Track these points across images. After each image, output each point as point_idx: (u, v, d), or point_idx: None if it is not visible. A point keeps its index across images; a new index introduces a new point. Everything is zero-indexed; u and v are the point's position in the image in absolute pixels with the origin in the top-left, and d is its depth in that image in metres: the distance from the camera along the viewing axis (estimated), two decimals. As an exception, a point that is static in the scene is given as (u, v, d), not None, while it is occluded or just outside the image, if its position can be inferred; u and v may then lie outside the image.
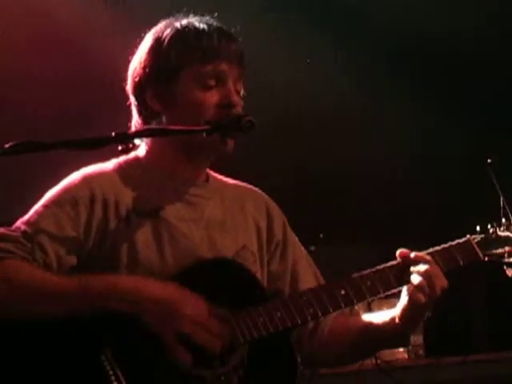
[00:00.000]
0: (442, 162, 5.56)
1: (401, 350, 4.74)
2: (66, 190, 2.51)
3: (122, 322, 2.34)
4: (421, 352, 4.85)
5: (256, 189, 2.83)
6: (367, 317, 2.74)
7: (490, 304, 5.54)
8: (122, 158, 2.63)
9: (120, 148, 2.37)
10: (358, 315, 2.78)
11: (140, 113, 2.63)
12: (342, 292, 2.55)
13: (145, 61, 2.60)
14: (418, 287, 2.54)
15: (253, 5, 4.96)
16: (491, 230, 2.69)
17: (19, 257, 2.38)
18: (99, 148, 2.31)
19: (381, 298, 2.64)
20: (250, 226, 2.71)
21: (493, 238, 2.68)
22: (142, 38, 2.66)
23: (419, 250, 2.63)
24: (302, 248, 2.84)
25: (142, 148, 2.65)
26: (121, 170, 2.60)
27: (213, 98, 2.55)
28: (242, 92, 2.62)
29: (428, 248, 2.65)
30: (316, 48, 5.24)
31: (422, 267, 2.56)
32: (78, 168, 2.58)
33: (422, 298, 2.53)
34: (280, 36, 5.12)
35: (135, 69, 2.63)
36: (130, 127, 2.66)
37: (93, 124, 3.77)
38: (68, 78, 4.67)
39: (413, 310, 2.58)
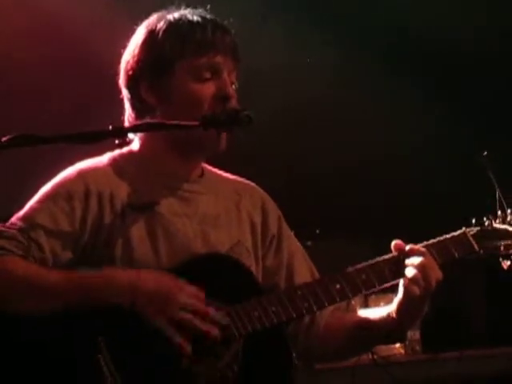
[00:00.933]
0: (442, 162, 5.56)
1: (397, 345, 4.73)
2: (61, 185, 2.51)
3: (118, 316, 2.33)
4: (418, 347, 4.86)
5: (252, 184, 2.82)
6: (364, 312, 2.73)
7: (488, 299, 5.53)
8: (117, 153, 2.63)
9: (117, 142, 2.36)
10: (355, 311, 2.78)
11: (133, 107, 2.62)
12: (337, 286, 2.54)
13: (138, 54, 2.59)
14: (413, 280, 2.53)
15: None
16: (487, 223, 2.69)
17: (15, 253, 2.38)
18: (96, 142, 2.29)
19: (378, 293, 2.64)
20: (245, 221, 2.71)
21: (489, 231, 2.68)
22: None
23: (415, 244, 2.63)
24: (298, 243, 2.83)
25: (135, 142, 2.64)
26: (115, 164, 2.59)
27: (209, 90, 2.54)
28: (235, 84, 2.61)
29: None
30: (315, 48, 5.23)
31: (417, 260, 2.55)
32: (72, 162, 2.58)
33: (416, 290, 2.52)
34: (279, 35, 5.12)
35: (128, 62, 2.61)
36: (123, 121, 2.65)
37: (92, 117, 3.76)
38: (66, 69, 4.66)
39: (408, 304, 2.57)
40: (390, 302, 2.65)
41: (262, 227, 2.74)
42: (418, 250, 2.59)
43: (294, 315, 2.49)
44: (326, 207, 5.28)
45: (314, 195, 5.28)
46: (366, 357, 4.36)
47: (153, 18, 2.63)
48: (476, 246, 2.66)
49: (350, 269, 2.58)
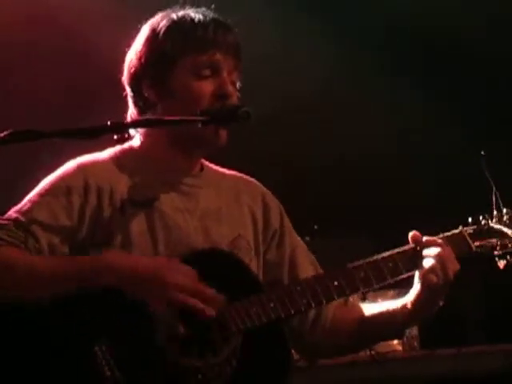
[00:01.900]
0: (442, 161, 5.56)
1: (395, 341, 4.74)
2: (61, 179, 2.51)
3: (116, 305, 2.35)
4: (415, 344, 4.86)
5: (252, 179, 2.83)
6: (375, 306, 2.74)
7: (486, 296, 5.54)
8: (117, 148, 2.64)
9: (115, 137, 2.37)
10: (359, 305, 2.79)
11: (136, 104, 2.63)
12: (335, 283, 2.55)
13: (140, 52, 2.61)
14: (431, 270, 2.54)
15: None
16: (483, 222, 2.70)
17: (11, 244, 2.39)
18: (96, 137, 2.30)
19: (375, 289, 2.64)
20: (246, 216, 2.71)
21: (485, 230, 2.69)
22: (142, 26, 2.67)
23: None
24: (299, 237, 2.84)
25: (136, 138, 2.65)
26: (116, 159, 2.60)
27: (208, 87, 2.55)
28: (238, 83, 2.63)
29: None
30: (313, 42, 5.24)
31: (435, 250, 2.57)
32: (73, 157, 2.59)
33: (435, 279, 2.54)
34: (279, 34, 5.12)
35: (131, 60, 2.64)
36: (126, 118, 2.67)
37: (94, 111, 3.76)
38: (69, 64, 4.67)
39: (426, 295, 2.58)
40: (387, 298, 2.66)
41: (264, 222, 2.74)
42: (435, 241, 2.60)
43: (292, 311, 2.50)
44: (325, 203, 5.29)
45: (312, 191, 5.29)
46: (364, 353, 4.36)
47: (157, 16, 2.65)
48: (473, 245, 2.67)
49: (350, 265, 2.59)
